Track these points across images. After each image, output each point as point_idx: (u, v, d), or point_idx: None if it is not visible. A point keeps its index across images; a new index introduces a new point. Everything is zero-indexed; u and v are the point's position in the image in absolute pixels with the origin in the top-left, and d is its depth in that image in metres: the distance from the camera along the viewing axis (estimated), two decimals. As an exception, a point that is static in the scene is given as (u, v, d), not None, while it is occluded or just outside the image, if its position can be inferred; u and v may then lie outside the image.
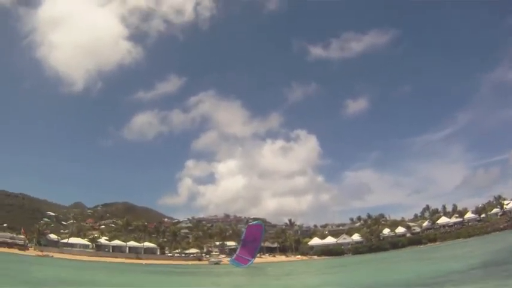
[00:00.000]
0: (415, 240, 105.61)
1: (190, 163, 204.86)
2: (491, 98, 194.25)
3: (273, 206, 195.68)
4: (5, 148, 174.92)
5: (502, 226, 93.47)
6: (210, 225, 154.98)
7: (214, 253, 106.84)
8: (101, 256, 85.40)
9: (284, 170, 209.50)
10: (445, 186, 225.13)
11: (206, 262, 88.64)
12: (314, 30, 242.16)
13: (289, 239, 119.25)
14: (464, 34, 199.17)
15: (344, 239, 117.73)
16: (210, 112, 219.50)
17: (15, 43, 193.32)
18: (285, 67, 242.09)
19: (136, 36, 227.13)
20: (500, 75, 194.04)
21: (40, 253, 78.09)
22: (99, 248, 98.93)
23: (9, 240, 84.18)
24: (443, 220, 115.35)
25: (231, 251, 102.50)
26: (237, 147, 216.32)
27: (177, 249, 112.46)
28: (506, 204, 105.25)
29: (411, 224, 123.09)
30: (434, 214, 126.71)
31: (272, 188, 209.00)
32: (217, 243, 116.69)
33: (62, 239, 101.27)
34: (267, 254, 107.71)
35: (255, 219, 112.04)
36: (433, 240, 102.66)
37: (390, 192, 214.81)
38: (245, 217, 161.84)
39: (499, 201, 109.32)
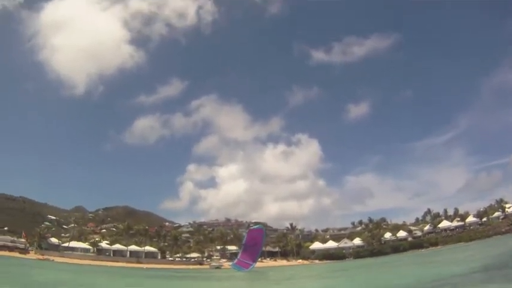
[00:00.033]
0: (417, 244, 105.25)
1: (191, 167, 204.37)
2: (493, 102, 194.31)
3: (275, 210, 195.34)
4: (5, 151, 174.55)
5: (503, 230, 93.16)
6: (211, 229, 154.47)
7: (215, 257, 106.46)
8: (101, 260, 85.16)
9: (285, 174, 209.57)
10: (447, 190, 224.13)
11: (207, 266, 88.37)
12: (316, 34, 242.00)
13: (290, 243, 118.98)
14: (465, 37, 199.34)
15: (345, 243, 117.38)
16: (212, 116, 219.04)
17: (17, 46, 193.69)
18: (286, 71, 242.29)
19: (139, 40, 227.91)
20: (502, 79, 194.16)
21: (41, 257, 78.07)
22: (100, 252, 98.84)
23: (10, 244, 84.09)
24: (444, 224, 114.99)
25: (232, 256, 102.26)
26: (238, 151, 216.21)
27: (178, 253, 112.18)
28: (508, 208, 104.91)
29: (412, 228, 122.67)
30: (436, 218, 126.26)
31: (273, 192, 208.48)
32: (219, 247, 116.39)
33: (63, 242, 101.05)
34: (268, 258, 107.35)
35: (256, 223, 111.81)
36: (435, 244, 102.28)
37: (392, 196, 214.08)
38: (246, 221, 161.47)
39: (500, 204, 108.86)
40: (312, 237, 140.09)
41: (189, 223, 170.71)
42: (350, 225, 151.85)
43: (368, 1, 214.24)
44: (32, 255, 79.53)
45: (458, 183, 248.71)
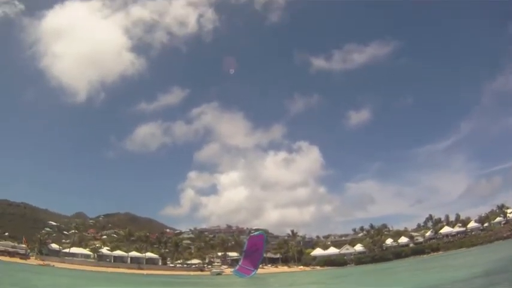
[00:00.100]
0: (418, 250, 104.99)
1: (192, 174, 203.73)
2: (494, 107, 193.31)
3: (276, 217, 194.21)
4: (7, 157, 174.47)
5: (505, 235, 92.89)
6: (212, 236, 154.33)
7: (216, 264, 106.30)
8: (102, 266, 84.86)
9: (286, 181, 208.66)
10: (448, 195, 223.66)
11: (208, 273, 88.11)
12: (316, 42, 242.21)
13: (291, 250, 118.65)
14: (465, 43, 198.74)
15: (347, 249, 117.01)
16: (213, 123, 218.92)
17: (19, 53, 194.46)
18: (287, 79, 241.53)
19: (140, 47, 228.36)
20: (503, 84, 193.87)
21: (41, 262, 77.90)
22: (101, 258, 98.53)
23: (10, 249, 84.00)
24: (446, 230, 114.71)
25: (233, 262, 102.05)
26: (239, 158, 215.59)
27: (179, 259, 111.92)
28: (510, 213, 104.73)
29: (414, 234, 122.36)
30: (437, 224, 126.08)
31: (274, 199, 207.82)
32: (220, 253, 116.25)
33: (64, 248, 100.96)
34: (270, 265, 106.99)
35: (257, 230, 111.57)
36: (436, 249, 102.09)
37: (393, 203, 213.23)
38: (247, 228, 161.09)
39: (502, 210, 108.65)
40: (313, 243, 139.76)
41: (190, 230, 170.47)
42: (351, 232, 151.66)
43: (368, 9, 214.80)
44: (32, 261, 79.33)
45: (460, 189, 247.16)
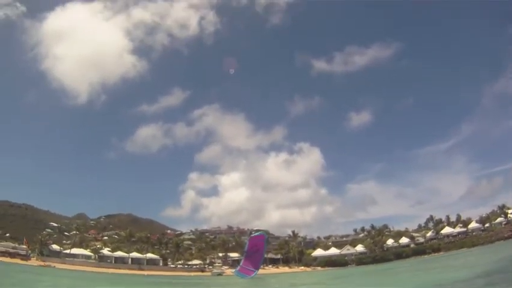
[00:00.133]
0: (419, 250, 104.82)
1: (193, 175, 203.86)
2: (495, 108, 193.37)
3: (277, 218, 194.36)
4: (9, 158, 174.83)
5: (506, 235, 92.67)
6: (213, 236, 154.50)
7: (217, 264, 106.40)
8: (103, 267, 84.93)
9: (287, 183, 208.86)
10: (449, 196, 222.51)
11: (209, 273, 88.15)
12: (317, 44, 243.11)
13: (292, 250, 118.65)
14: (466, 45, 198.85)
15: (348, 250, 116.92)
16: (214, 125, 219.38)
17: (20, 55, 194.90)
18: (288, 81, 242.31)
19: (141, 49, 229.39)
20: (504, 86, 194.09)
21: (42, 263, 78.00)
22: (102, 259, 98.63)
23: (11, 250, 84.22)
24: (447, 230, 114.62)
25: (234, 262, 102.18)
26: (240, 160, 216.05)
27: (180, 260, 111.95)
28: (510, 213, 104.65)
29: (415, 234, 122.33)
30: (438, 224, 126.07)
31: (276, 200, 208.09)
32: (220, 254, 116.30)
33: (65, 249, 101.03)
34: (271, 265, 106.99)
35: (258, 230, 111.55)
36: (437, 250, 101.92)
37: (394, 204, 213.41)
38: (248, 229, 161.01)
39: (503, 210, 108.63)
40: (314, 244, 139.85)
41: (191, 231, 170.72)
42: (352, 232, 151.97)
43: (369, 11, 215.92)
44: (33, 262, 79.51)
45: (461, 190, 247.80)
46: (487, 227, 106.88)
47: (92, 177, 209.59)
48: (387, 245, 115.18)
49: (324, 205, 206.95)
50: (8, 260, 74.56)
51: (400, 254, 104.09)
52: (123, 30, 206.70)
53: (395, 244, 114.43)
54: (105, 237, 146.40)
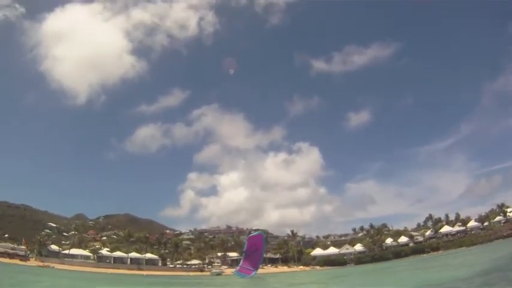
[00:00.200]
0: (418, 249, 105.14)
1: (192, 175, 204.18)
2: (494, 106, 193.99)
3: (276, 217, 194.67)
4: (7, 159, 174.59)
5: (505, 234, 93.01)
6: (212, 236, 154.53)
7: (216, 264, 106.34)
8: (102, 267, 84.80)
9: (287, 182, 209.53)
10: (448, 195, 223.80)
11: (208, 273, 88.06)
12: (316, 44, 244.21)
13: (291, 250, 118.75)
14: (465, 44, 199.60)
15: (347, 249, 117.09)
16: (213, 125, 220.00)
17: (19, 56, 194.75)
18: (287, 81, 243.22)
19: (140, 50, 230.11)
20: (503, 84, 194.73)
21: (41, 264, 77.84)
22: (101, 259, 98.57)
23: (10, 251, 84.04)
24: (446, 229, 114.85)
25: (233, 262, 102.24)
26: (239, 159, 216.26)
27: (179, 260, 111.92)
28: (510, 212, 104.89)
29: (414, 233, 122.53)
30: (437, 223, 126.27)
31: (275, 199, 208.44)
32: (219, 254, 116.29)
33: (63, 250, 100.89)
34: (269, 265, 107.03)
35: (256, 230, 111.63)
36: (436, 249, 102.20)
37: (393, 203, 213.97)
38: (247, 228, 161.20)
39: (502, 209, 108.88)
40: (313, 243, 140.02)
41: (190, 230, 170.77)
42: (351, 232, 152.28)
43: (368, 10, 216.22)
44: (32, 262, 79.35)
45: (460, 189, 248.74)
46: (486, 225, 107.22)
47: (91, 178, 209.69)
48: (386, 244, 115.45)
49: (323, 204, 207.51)
50: (6, 260, 74.37)
51: (399, 253, 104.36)
52: (122, 31, 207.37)
53: (394, 243, 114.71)
54: (104, 238, 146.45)
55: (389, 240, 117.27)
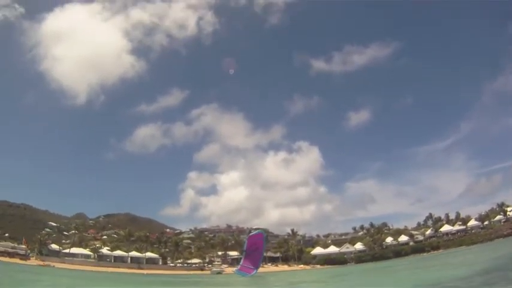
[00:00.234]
0: (418, 248, 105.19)
1: (192, 175, 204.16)
2: (494, 106, 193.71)
3: (276, 216, 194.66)
4: (7, 159, 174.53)
5: (505, 233, 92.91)
6: (212, 235, 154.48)
7: (216, 263, 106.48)
8: (102, 266, 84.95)
9: (286, 181, 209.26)
10: (448, 194, 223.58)
11: (208, 272, 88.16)
12: (316, 44, 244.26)
13: (291, 249, 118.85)
14: (465, 44, 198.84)
15: (347, 248, 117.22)
16: (213, 124, 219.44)
17: (19, 56, 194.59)
18: (287, 80, 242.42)
19: (140, 50, 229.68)
20: (503, 84, 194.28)
21: (41, 263, 78.01)
22: (101, 258, 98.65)
23: (10, 250, 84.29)
24: (446, 228, 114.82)
25: (233, 261, 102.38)
26: (239, 158, 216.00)
27: (179, 259, 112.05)
28: (510, 211, 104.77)
29: (414, 232, 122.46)
30: (437, 222, 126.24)
31: (275, 198, 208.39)
32: (220, 253, 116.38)
33: (64, 249, 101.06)
34: (270, 264, 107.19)
35: (257, 229, 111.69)
36: (436, 248, 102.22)
37: (393, 202, 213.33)
38: (247, 227, 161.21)
39: (502, 208, 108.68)
40: (314, 242, 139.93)
41: (190, 229, 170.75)
42: (352, 231, 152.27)
43: (368, 10, 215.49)
44: (32, 261, 79.50)
45: (460, 188, 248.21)
46: (486, 224, 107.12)
47: (90, 178, 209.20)
48: (386, 243, 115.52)
49: (323, 203, 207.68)
50: (7, 259, 74.55)
51: (399, 252, 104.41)
52: (121, 30, 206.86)
53: (395, 242, 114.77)
54: (105, 237, 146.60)
55: (389, 239, 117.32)
